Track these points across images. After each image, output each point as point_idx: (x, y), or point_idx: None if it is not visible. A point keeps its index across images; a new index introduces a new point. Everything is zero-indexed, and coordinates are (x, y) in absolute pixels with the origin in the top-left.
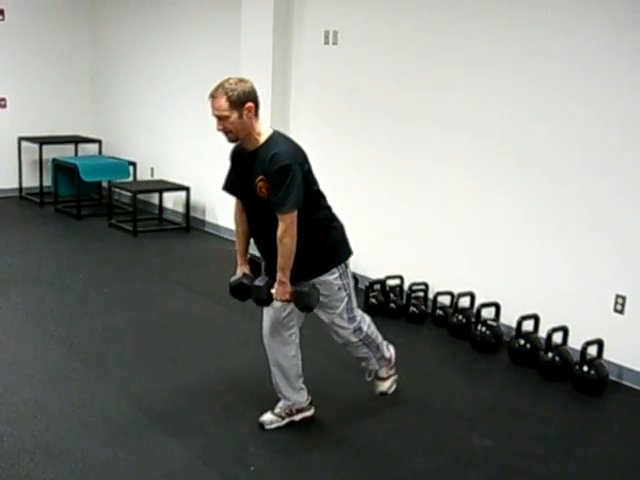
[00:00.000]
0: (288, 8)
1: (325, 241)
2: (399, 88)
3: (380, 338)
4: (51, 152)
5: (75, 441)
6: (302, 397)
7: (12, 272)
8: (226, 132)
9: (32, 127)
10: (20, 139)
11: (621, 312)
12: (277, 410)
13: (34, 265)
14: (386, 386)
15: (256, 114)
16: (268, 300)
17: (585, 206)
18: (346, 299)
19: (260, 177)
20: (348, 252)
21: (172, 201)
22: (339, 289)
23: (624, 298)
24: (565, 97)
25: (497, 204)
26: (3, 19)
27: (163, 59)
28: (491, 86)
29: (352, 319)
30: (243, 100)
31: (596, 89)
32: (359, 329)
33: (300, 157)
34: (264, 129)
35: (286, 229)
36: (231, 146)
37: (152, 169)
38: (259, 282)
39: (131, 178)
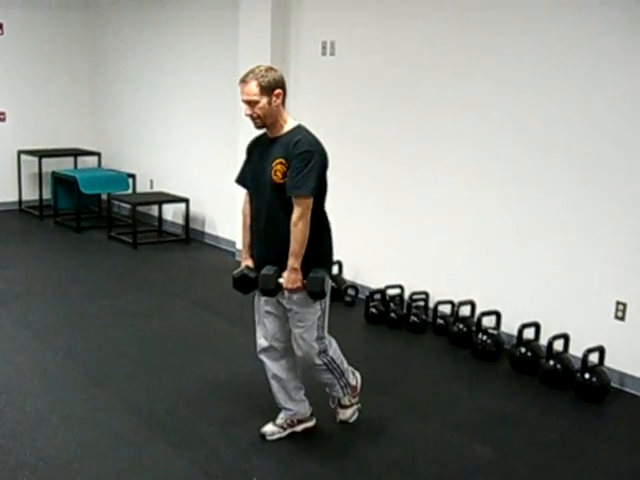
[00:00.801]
0: (285, 20)
1: (325, 241)
2: (397, 98)
3: (345, 364)
4: (50, 165)
5: (77, 453)
6: (303, 408)
7: (12, 285)
8: (254, 118)
9: (31, 140)
10: (19, 152)
11: (622, 319)
12: (279, 421)
13: (34, 278)
14: (348, 414)
15: (283, 102)
16: (275, 290)
17: (585, 214)
18: (320, 314)
19: (279, 160)
20: (331, 263)
21: (172, 213)
22: (317, 305)
23: (625, 305)
24: (568, 108)
25: (497, 213)
26: (2, 33)
27: (162, 72)
28: (492, 97)
29: (321, 339)
30: (273, 86)
31: (599, 101)
32: (324, 351)
33: (323, 152)
34: (290, 119)
35: (302, 214)
36: (232, 153)
37: (151, 181)
38: (267, 270)
39: (130, 190)
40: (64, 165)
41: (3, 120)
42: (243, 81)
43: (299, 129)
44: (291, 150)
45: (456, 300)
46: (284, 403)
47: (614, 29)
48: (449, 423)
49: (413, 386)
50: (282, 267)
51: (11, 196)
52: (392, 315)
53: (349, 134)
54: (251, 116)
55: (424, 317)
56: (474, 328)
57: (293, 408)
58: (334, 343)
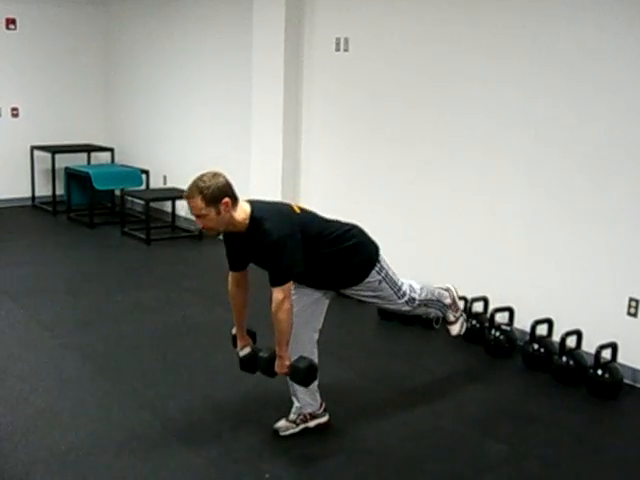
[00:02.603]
0: (299, 16)
1: (354, 258)
2: (412, 95)
3: (436, 292)
4: (63, 161)
5: (90, 450)
6: (315, 400)
7: (25, 281)
8: (207, 229)
9: (44, 136)
10: (32, 148)
11: (634, 315)
12: (292, 417)
13: (47, 274)
14: (457, 329)
15: (234, 205)
16: (272, 372)
17: (598, 210)
18: (388, 286)
19: (261, 253)
20: (376, 250)
21: (185, 209)
22: (380, 282)
23: (637, 301)
24: (580, 105)
25: (510, 210)
26: (15, 29)
27: (175, 68)
28: (507, 95)
29: (402, 295)
30: (218, 196)
31: (610, 99)
32: (411, 299)
33: (287, 223)
34: (244, 211)
35: (280, 303)
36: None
37: (165, 177)
38: (263, 354)
39: (144, 186)
40: (77, 161)
41: (16, 116)
42: (187, 197)
43: (256, 219)
44: (262, 245)
45: (469, 296)
46: (298, 391)
47: (625, 29)
48: (462, 419)
49: (426, 382)
50: (346, 283)
51: (24, 192)
52: None
53: (363, 130)
54: (204, 228)
55: None
56: (487, 324)
57: (305, 398)
58: (415, 285)
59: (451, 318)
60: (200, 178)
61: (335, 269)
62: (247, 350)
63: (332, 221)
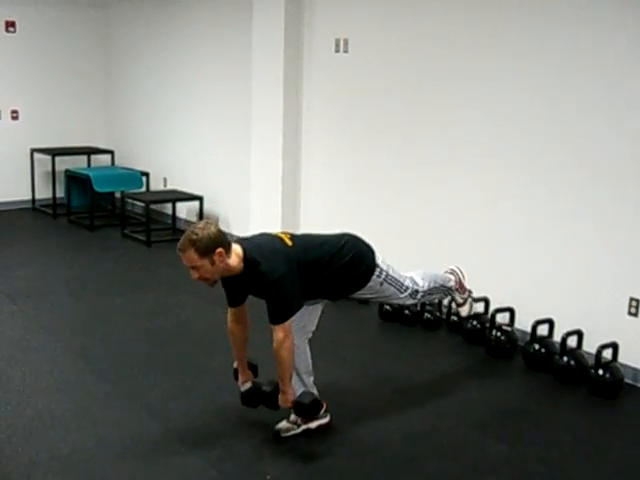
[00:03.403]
0: (299, 17)
1: (353, 271)
2: (411, 95)
3: (439, 279)
4: (64, 163)
5: (91, 453)
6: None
7: (25, 283)
8: (203, 280)
9: (44, 139)
10: (32, 151)
11: (635, 315)
12: (293, 417)
13: (47, 276)
14: (466, 309)
15: (227, 253)
16: (276, 405)
17: (599, 210)
18: (390, 285)
19: (261, 292)
20: (373, 255)
21: (185, 211)
22: (381, 284)
23: (638, 301)
24: (584, 105)
25: (510, 210)
26: (15, 31)
27: (175, 69)
28: (507, 95)
29: (405, 290)
30: (212, 247)
31: (616, 98)
32: (414, 292)
33: (281, 261)
34: (237, 254)
35: (282, 341)
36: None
37: (165, 179)
38: (266, 387)
39: (144, 188)
40: (77, 163)
41: (16, 118)
42: (180, 250)
43: (250, 262)
44: (260, 287)
45: None
46: (296, 389)
47: (624, 26)
48: (463, 420)
49: (427, 383)
50: (348, 292)
51: (24, 194)
52: (406, 312)
53: (363, 130)
54: (199, 279)
55: (438, 314)
56: (488, 325)
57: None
58: (417, 278)
59: (459, 300)
60: (192, 230)
61: (337, 284)
62: (249, 385)
63: (325, 239)
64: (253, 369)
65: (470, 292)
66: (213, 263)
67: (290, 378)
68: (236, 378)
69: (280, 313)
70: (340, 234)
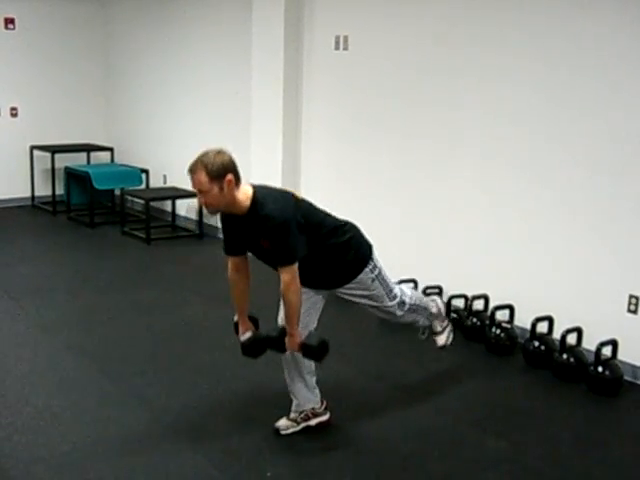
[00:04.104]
0: (299, 14)
1: (348, 254)
2: (411, 93)
3: (424, 300)
4: (63, 161)
5: (90, 450)
6: (315, 396)
7: (25, 281)
8: (207, 205)
9: (44, 136)
10: (32, 148)
11: (635, 312)
12: (292, 415)
13: (47, 274)
14: (443, 339)
15: (237, 184)
16: (282, 349)
17: (598, 208)
18: (381, 286)
19: (261, 238)
20: (369, 248)
21: (185, 208)
22: (373, 281)
23: (638, 298)
24: (586, 105)
25: (510, 207)
26: (14, 28)
27: (175, 67)
28: (508, 94)
29: (393, 297)
30: (222, 173)
31: (615, 99)
32: (402, 302)
33: (289, 208)
34: (245, 193)
35: (289, 284)
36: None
37: (165, 176)
38: (272, 332)
39: (144, 185)
40: (77, 160)
41: (15, 116)
42: (191, 171)
43: (257, 201)
44: (263, 229)
45: (470, 294)
46: (297, 389)
47: (625, 25)
48: (463, 417)
49: (427, 380)
50: (340, 281)
51: (24, 192)
52: None
53: (362, 128)
54: (204, 204)
55: None
56: (488, 322)
57: (303, 396)
58: (406, 289)
59: (438, 328)
60: (205, 154)
61: (329, 264)
62: (249, 334)
63: (329, 214)
64: (254, 322)
65: (449, 323)
66: (221, 190)
67: (298, 321)
68: (237, 332)
69: (285, 255)
70: (343, 219)
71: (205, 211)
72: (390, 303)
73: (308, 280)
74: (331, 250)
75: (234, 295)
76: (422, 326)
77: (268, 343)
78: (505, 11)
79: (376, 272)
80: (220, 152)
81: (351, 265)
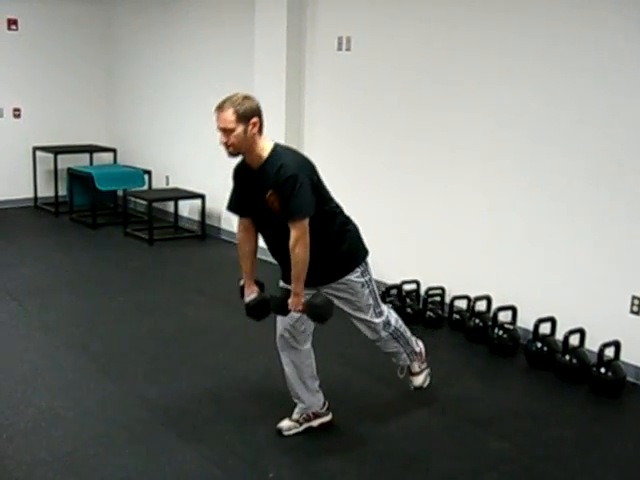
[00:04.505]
0: (301, 15)
1: (342, 244)
2: (413, 94)
3: (409, 333)
4: (66, 162)
5: (92, 450)
6: (318, 400)
7: (28, 282)
8: (228, 145)
9: (47, 137)
10: (35, 149)
11: (637, 313)
12: (295, 416)
13: (50, 274)
14: (420, 380)
15: (260, 131)
16: (285, 310)
17: (600, 209)
18: (370, 296)
19: (270, 192)
20: (365, 251)
21: (188, 209)
22: (362, 286)
23: None
24: (585, 108)
25: (512, 208)
26: (17, 29)
27: (178, 68)
28: (508, 95)
29: (380, 313)
30: (249, 115)
31: (616, 101)
32: (387, 323)
33: (307, 167)
34: (266, 144)
35: (298, 239)
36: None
37: (167, 177)
38: (275, 293)
39: (146, 186)
40: (79, 162)
41: (18, 117)
42: (219, 108)
43: (276, 153)
44: (276, 180)
45: (472, 295)
46: (300, 394)
47: (625, 29)
48: (465, 418)
49: (429, 381)
50: (329, 274)
51: (27, 193)
52: (408, 310)
53: (364, 129)
54: (225, 144)
55: (440, 312)
56: (490, 323)
57: (308, 399)
58: (394, 313)
59: (416, 368)
60: (234, 95)
61: (322, 250)
62: (253, 295)
63: (338, 204)
64: (260, 286)
65: (428, 367)
66: (246, 131)
67: (303, 280)
68: (242, 296)
69: (296, 208)
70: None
71: (226, 152)
72: (376, 320)
73: (285, 269)
74: (328, 233)
75: (241, 255)
76: (402, 364)
77: (272, 305)
78: (506, 14)
79: (367, 278)
80: (249, 96)
81: (343, 258)
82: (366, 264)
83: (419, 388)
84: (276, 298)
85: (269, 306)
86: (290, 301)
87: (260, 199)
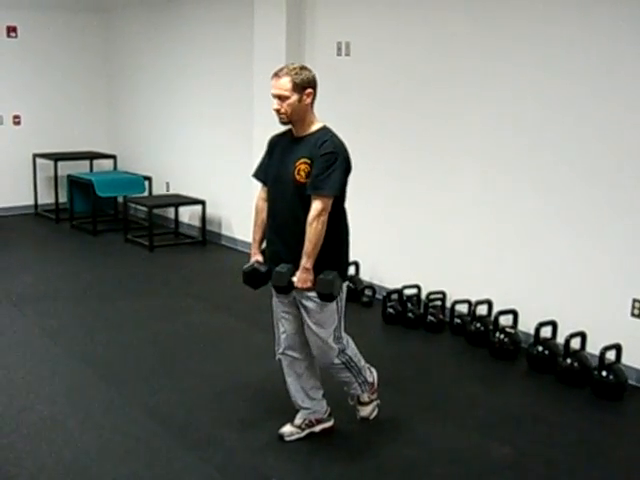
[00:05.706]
0: (300, 21)
1: (343, 244)
2: (413, 98)
3: (362, 362)
4: (66, 168)
5: (94, 457)
6: (321, 407)
7: (29, 288)
8: (281, 113)
9: (47, 144)
10: (35, 156)
11: (638, 316)
12: (297, 422)
13: (50, 281)
14: (368, 411)
15: (312, 103)
16: (289, 287)
17: (601, 212)
18: (335, 315)
19: (303, 160)
20: (347, 265)
21: (188, 215)
22: (335, 304)
23: None
24: (585, 110)
25: (513, 212)
26: (16, 36)
27: (178, 74)
28: (508, 98)
29: (339, 339)
30: (305, 85)
31: (606, 105)
32: (343, 351)
33: (348, 156)
34: (317, 120)
35: (319, 213)
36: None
37: (167, 183)
38: (281, 268)
39: (147, 193)
40: (80, 168)
41: (18, 124)
42: (276, 75)
43: (325, 130)
44: (316, 150)
45: (473, 299)
46: (302, 402)
47: (623, 32)
48: (467, 422)
49: (430, 386)
50: (298, 266)
51: (27, 200)
52: (409, 315)
53: (364, 134)
54: (278, 111)
55: (441, 317)
56: (491, 327)
57: (311, 407)
58: (351, 342)
59: (365, 399)
60: (292, 64)
61: (328, 238)
62: (253, 261)
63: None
64: (265, 256)
65: (378, 399)
66: (300, 100)
67: (315, 255)
68: (248, 274)
69: (327, 182)
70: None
71: (277, 119)
72: (334, 346)
73: (286, 247)
74: (337, 225)
75: (256, 221)
76: (353, 393)
77: (275, 279)
78: (506, 19)
79: (340, 300)
80: (306, 67)
81: (337, 257)
82: (345, 277)
83: (365, 419)
84: (280, 273)
85: (266, 275)
86: (297, 277)
87: (288, 166)
